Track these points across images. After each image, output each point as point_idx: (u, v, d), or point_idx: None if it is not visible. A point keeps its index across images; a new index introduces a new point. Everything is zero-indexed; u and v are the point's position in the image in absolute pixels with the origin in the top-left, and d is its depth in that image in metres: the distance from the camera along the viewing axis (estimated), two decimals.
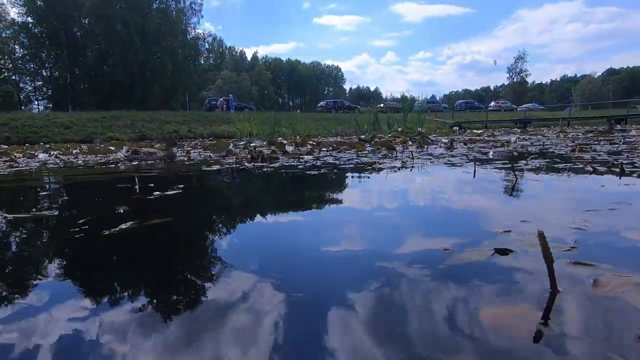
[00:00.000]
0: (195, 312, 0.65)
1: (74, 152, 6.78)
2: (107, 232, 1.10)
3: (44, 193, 2.11)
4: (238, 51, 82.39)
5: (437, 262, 0.85)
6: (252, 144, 6.47)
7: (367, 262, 0.88)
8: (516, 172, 2.12)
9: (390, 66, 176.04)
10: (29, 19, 40.13)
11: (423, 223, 1.28)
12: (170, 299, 0.71)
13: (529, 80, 69.34)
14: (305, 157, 3.79)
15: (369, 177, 2.36)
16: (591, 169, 2.29)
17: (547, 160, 3.01)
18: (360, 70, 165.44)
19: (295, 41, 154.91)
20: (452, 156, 3.47)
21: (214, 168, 3.11)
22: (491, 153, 3.78)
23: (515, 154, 3.86)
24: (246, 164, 3.31)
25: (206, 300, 0.69)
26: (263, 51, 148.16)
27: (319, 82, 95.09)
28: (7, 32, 40.35)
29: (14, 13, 40.41)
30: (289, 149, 5.13)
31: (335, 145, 5.12)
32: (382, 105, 21.90)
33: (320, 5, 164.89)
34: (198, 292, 0.73)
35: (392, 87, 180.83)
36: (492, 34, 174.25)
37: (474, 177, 2.18)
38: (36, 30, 40.61)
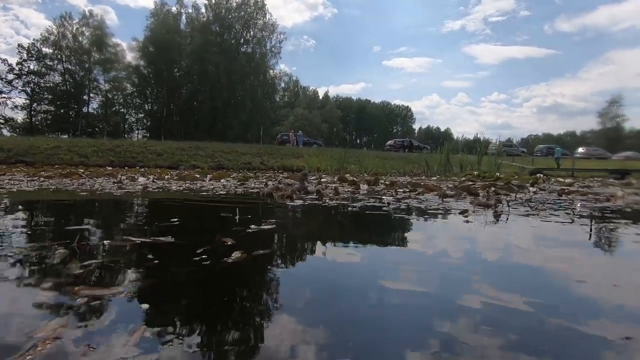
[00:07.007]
0: None
1: (166, 177, 7.53)
2: (230, 260, 1.18)
3: (154, 217, 2.32)
4: (311, 90, 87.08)
5: None
6: (322, 180, 6.58)
7: None
8: None
9: (461, 107, 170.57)
10: (141, 62, 47.54)
11: None
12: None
13: (626, 126, 62.06)
14: (385, 198, 3.72)
15: (482, 232, 2.06)
16: None
17: None
18: (430, 111, 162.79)
19: (364, 82, 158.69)
20: (554, 210, 3.12)
21: (297, 203, 3.19)
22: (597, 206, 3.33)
23: (628, 210, 3.35)
24: (328, 201, 3.33)
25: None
26: (333, 91, 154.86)
27: (387, 121, 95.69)
28: (123, 73, 48.23)
29: (130, 57, 48.24)
30: (364, 187, 5.10)
31: (411, 187, 4.97)
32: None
33: (390, 48, 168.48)
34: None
35: (463, 129, 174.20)
36: (576, 76, 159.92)
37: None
38: (145, 71, 47.83)
